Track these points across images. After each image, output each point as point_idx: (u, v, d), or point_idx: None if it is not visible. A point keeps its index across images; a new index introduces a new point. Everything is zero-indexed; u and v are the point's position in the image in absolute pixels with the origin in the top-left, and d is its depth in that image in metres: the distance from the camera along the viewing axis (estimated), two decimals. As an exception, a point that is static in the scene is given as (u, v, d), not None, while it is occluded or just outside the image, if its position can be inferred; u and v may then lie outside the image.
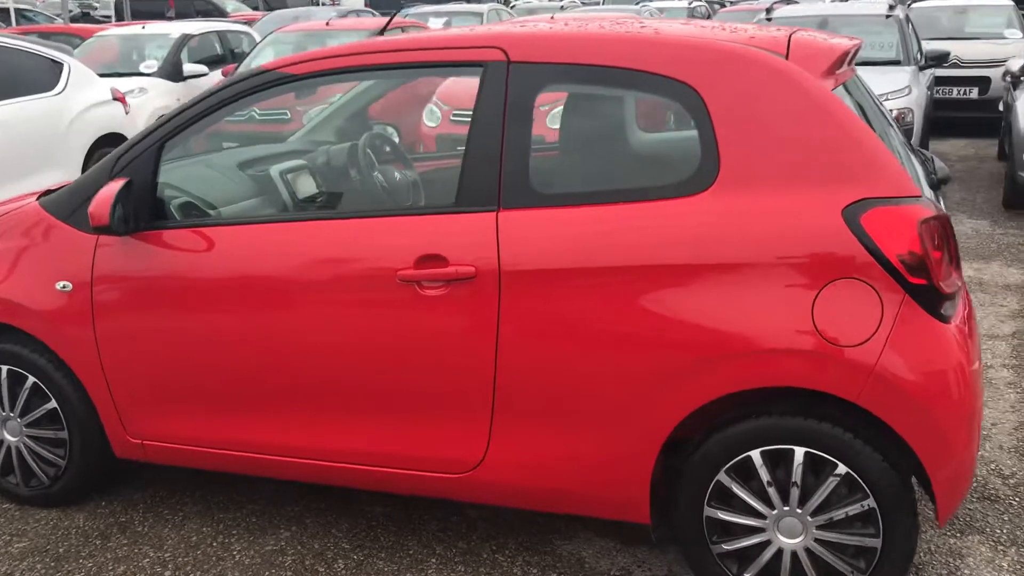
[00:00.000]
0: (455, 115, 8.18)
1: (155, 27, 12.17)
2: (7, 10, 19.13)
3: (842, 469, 2.62)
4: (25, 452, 3.52)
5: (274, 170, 3.71)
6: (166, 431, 3.27)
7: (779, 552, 2.74)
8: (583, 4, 23.43)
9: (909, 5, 12.99)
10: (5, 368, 3.45)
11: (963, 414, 2.58)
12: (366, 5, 21.97)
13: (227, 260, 3.07)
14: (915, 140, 8.32)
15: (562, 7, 22.07)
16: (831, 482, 2.64)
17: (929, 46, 10.21)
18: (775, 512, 2.72)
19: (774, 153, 2.63)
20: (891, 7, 9.70)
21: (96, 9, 25.52)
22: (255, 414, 3.13)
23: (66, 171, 7.34)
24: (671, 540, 3.15)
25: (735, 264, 2.60)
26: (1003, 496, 3.49)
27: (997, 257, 6.71)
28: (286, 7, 22.50)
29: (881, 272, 2.53)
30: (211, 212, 3.45)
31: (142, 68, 10.74)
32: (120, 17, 21.23)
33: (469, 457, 2.92)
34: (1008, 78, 9.08)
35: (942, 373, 2.55)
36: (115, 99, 8.24)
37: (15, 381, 3.46)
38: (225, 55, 12.18)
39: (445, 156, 4.85)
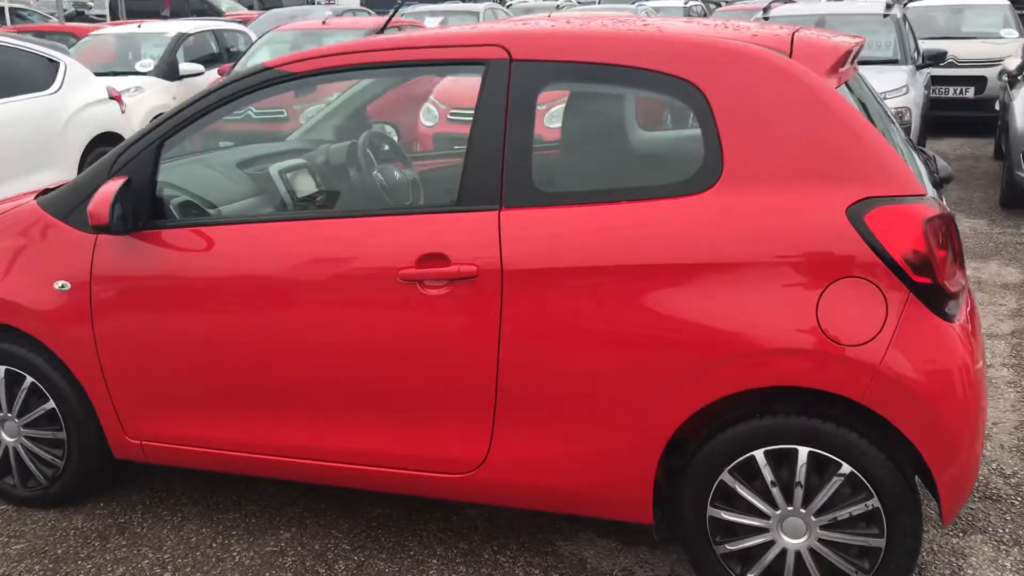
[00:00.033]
0: (452, 114, 8.17)
1: (151, 26, 12.13)
2: (2, 9, 19.06)
3: (846, 469, 2.61)
4: (23, 453, 3.50)
5: (273, 169, 3.70)
6: (165, 431, 3.26)
7: (783, 552, 2.73)
8: (579, 3, 23.41)
9: (905, 4, 13.00)
10: (3, 368, 3.43)
11: (968, 413, 2.57)
12: (362, 4, 21.94)
13: (227, 260, 3.05)
14: (913, 139, 8.31)
15: (558, 6, 22.06)
16: (835, 482, 2.63)
17: (926, 45, 10.23)
18: (779, 512, 2.70)
19: (778, 151, 2.62)
20: (888, 6, 9.71)
21: (90, 8, 25.42)
22: (255, 414, 3.12)
23: (62, 170, 7.31)
24: (673, 540, 3.14)
25: (739, 263, 2.59)
26: (1005, 496, 3.49)
27: (995, 256, 6.71)
28: (281, 6, 22.45)
29: (885, 271, 2.52)
30: (210, 211, 3.43)
31: (138, 67, 10.71)
32: (115, 16, 21.16)
33: (471, 457, 2.91)
34: (1005, 77, 9.10)
35: (947, 372, 2.54)
36: (111, 98, 8.21)
37: (13, 381, 3.43)
38: (221, 54, 12.15)
39: (444, 155, 4.84)
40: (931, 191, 2.74)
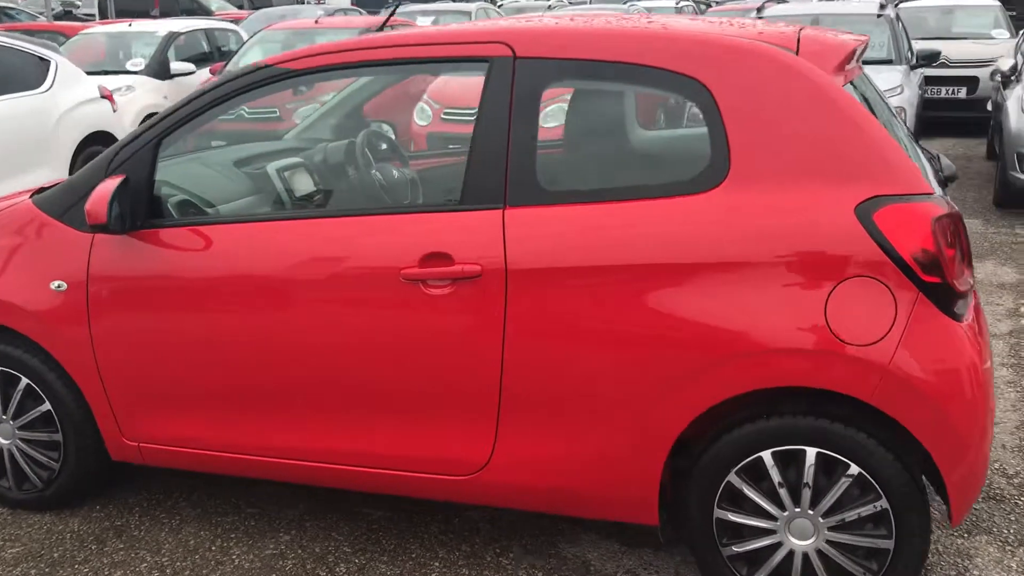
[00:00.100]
0: (446, 113, 8.13)
1: (142, 25, 12.06)
2: (-11, 8, 18.95)
3: (854, 470, 2.59)
4: (18, 455, 3.45)
5: (271, 168, 3.66)
6: (163, 433, 3.21)
7: (790, 554, 2.71)
8: (570, 3, 23.40)
9: (897, 5, 13.03)
10: (-2, 369, 3.39)
11: (977, 413, 2.55)
12: (352, 3, 21.86)
13: (226, 259, 3.01)
14: (909, 139, 8.31)
15: (550, 6, 22.04)
16: (843, 483, 2.61)
17: (919, 45, 10.24)
18: (786, 513, 2.68)
19: (785, 150, 2.59)
20: (882, 6, 9.72)
21: (79, 8, 25.28)
22: (255, 416, 3.08)
23: (54, 169, 7.25)
24: (678, 542, 3.12)
25: (746, 263, 2.57)
26: (1008, 496, 3.48)
27: (990, 256, 6.71)
28: (271, 6, 22.37)
29: (894, 270, 2.50)
30: (208, 210, 3.39)
31: (129, 66, 10.64)
32: (104, 15, 21.04)
33: (474, 458, 2.87)
34: (998, 77, 9.11)
35: (956, 372, 2.52)
36: (103, 97, 8.15)
37: (8, 382, 3.39)
38: (212, 53, 12.10)
39: (441, 154, 4.80)
40: (938, 190, 2.72)
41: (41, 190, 3.53)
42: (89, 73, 8.69)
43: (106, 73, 10.09)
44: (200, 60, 11.58)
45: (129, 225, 3.04)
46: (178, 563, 3.17)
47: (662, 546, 3.16)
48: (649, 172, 3.23)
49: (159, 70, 10.70)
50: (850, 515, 2.63)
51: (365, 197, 3.84)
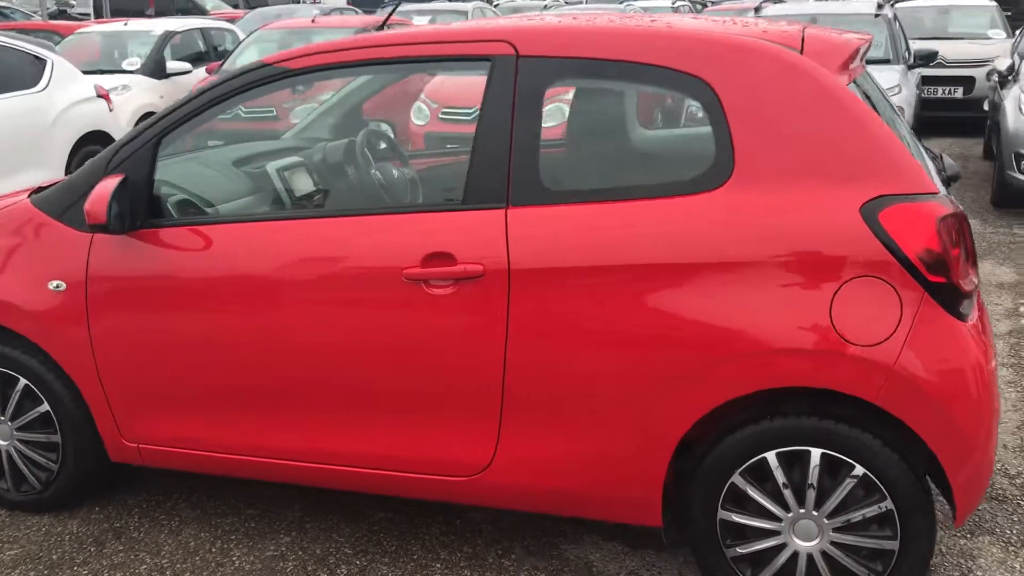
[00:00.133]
0: (444, 112, 8.12)
1: (138, 24, 12.03)
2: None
3: (859, 470, 2.58)
4: (16, 456, 3.43)
5: (271, 167, 3.64)
6: (163, 434, 3.19)
7: (794, 555, 2.70)
8: (566, 3, 23.39)
9: (893, 4, 13.04)
10: (-5, 370, 3.36)
11: (982, 414, 2.54)
12: (348, 3, 21.82)
13: (227, 259, 2.99)
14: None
15: (546, 6, 22.03)
16: (848, 484, 2.60)
17: (916, 45, 10.25)
18: (791, 515, 2.67)
19: (789, 149, 2.58)
20: (879, 6, 9.72)
21: (73, 7, 25.21)
22: (255, 416, 3.06)
23: (50, 169, 7.22)
24: (681, 543, 3.10)
25: (750, 262, 2.55)
26: (1011, 496, 3.47)
27: (988, 256, 6.71)
28: (267, 5, 22.33)
29: (900, 270, 2.49)
30: (208, 210, 3.37)
31: (125, 65, 10.62)
32: (99, 14, 20.98)
33: (477, 459, 2.86)
34: (995, 77, 9.12)
35: (961, 372, 2.52)
36: (99, 96, 8.11)
37: (6, 383, 3.36)
38: (208, 52, 12.06)
39: (440, 154, 4.79)
40: (943, 189, 2.71)
41: (39, 189, 3.50)
42: (85, 72, 8.66)
43: (102, 72, 10.06)
44: (196, 59, 11.55)
45: (129, 225, 3.02)
46: (178, 565, 3.15)
47: (665, 548, 3.14)
48: (653, 172, 3.22)
49: (155, 69, 10.67)
50: (855, 516, 2.62)
51: (365, 197, 3.82)
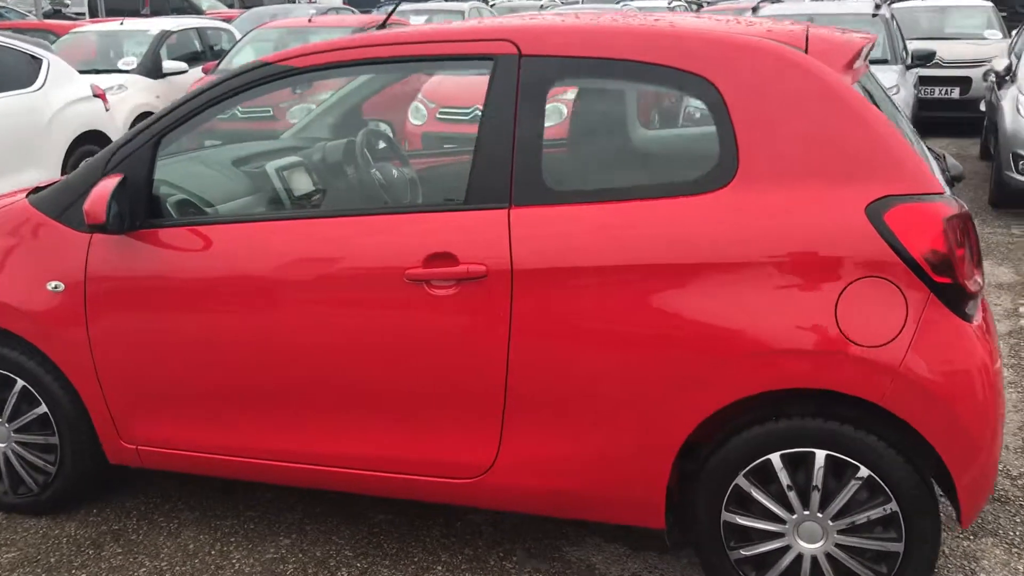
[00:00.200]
0: (442, 112, 8.09)
1: (134, 23, 11.99)
2: (-22, 7, 18.83)
3: (864, 472, 2.57)
4: (13, 458, 3.40)
5: (270, 167, 3.62)
6: (162, 436, 3.17)
7: (799, 557, 2.68)
8: (563, 2, 23.38)
9: (890, 4, 13.05)
10: (-7, 372, 3.33)
11: (988, 415, 2.53)
12: (344, 2, 21.78)
13: (226, 259, 2.97)
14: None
15: (542, 6, 22.02)
16: (853, 485, 2.59)
17: (914, 45, 10.25)
18: (795, 516, 2.65)
19: (794, 149, 2.57)
20: (877, 6, 9.72)
21: (67, 6, 25.13)
22: (255, 418, 3.04)
23: (46, 169, 7.18)
24: (684, 545, 3.09)
25: (755, 263, 2.54)
26: (1013, 497, 3.46)
27: (987, 256, 6.70)
28: (263, 4, 22.28)
29: (905, 271, 2.47)
30: (207, 210, 3.35)
31: (121, 65, 10.57)
32: (94, 14, 20.92)
33: (479, 461, 2.84)
34: (992, 78, 9.12)
35: (967, 373, 2.50)
36: (95, 96, 8.08)
37: (3, 385, 3.34)
38: (204, 52, 12.03)
39: (440, 153, 4.77)
40: (947, 189, 2.70)
41: (37, 189, 3.48)
42: (81, 72, 8.63)
43: (98, 72, 10.03)
44: (192, 59, 11.51)
45: (128, 225, 3.00)
46: (177, 568, 3.12)
47: (668, 550, 3.13)
48: (656, 171, 3.21)
49: (151, 69, 10.63)
50: (860, 518, 2.60)
51: (365, 197, 3.80)
